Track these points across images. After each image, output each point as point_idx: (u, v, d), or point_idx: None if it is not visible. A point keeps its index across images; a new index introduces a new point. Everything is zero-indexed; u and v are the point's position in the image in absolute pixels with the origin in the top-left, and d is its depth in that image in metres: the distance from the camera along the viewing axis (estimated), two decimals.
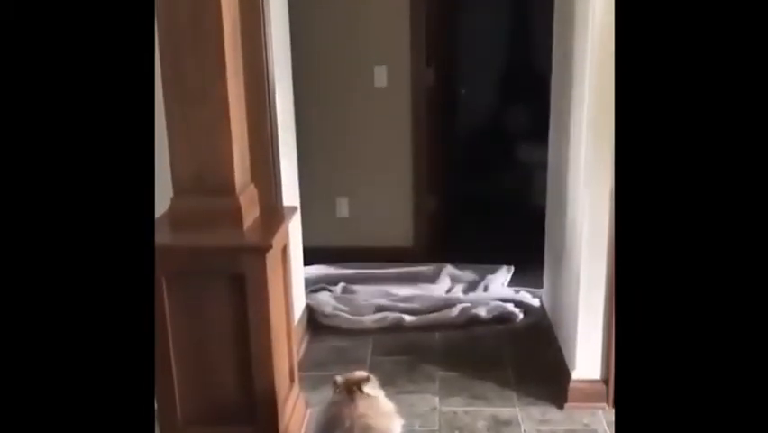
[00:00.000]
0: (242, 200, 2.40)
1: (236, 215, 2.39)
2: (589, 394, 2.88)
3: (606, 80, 2.51)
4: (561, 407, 2.92)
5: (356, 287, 4.16)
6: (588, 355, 2.86)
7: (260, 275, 2.37)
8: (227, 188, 2.37)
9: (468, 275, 4.31)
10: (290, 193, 3.40)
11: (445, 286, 4.17)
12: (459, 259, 4.52)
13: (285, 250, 2.67)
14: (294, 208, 2.97)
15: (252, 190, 2.56)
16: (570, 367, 2.94)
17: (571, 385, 2.90)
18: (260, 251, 2.36)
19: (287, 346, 2.71)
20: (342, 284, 4.19)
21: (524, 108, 5.86)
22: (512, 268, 4.36)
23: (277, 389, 2.49)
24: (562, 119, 3.21)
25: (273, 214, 2.73)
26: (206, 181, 2.37)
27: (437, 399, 3.03)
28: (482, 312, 3.77)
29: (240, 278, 2.37)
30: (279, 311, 2.58)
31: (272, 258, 2.43)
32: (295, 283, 3.39)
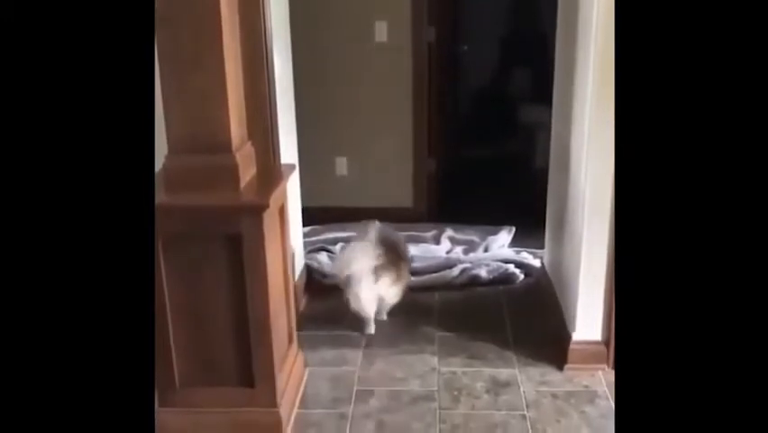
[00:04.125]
0: (239, 159, 2.35)
1: (232, 173, 2.34)
2: (589, 356, 2.87)
3: (612, 41, 2.43)
4: (560, 368, 2.91)
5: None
6: (588, 317, 2.84)
7: (257, 235, 2.33)
8: (223, 147, 2.32)
9: (468, 236, 4.27)
10: (288, 152, 3.35)
11: (446, 247, 4.14)
12: (459, 220, 4.49)
13: (283, 209, 2.63)
14: (292, 167, 2.92)
15: (249, 149, 2.51)
16: (570, 328, 2.92)
17: (572, 346, 2.88)
18: (257, 210, 2.32)
19: (285, 306, 2.69)
20: (341, 244, 4.15)
21: (527, 68, 5.78)
22: (513, 229, 4.33)
23: (275, 349, 2.47)
24: (566, 81, 3.14)
25: (270, 172, 2.68)
26: (202, 139, 2.31)
27: (436, 359, 3.02)
28: (483, 273, 3.74)
29: (237, 238, 2.34)
30: (277, 271, 2.55)
31: (269, 217, 2.39)
32: (294, 243, 3.36)
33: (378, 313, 3.29)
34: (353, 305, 3.18)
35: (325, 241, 4.20)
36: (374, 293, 3.18)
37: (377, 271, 3.14)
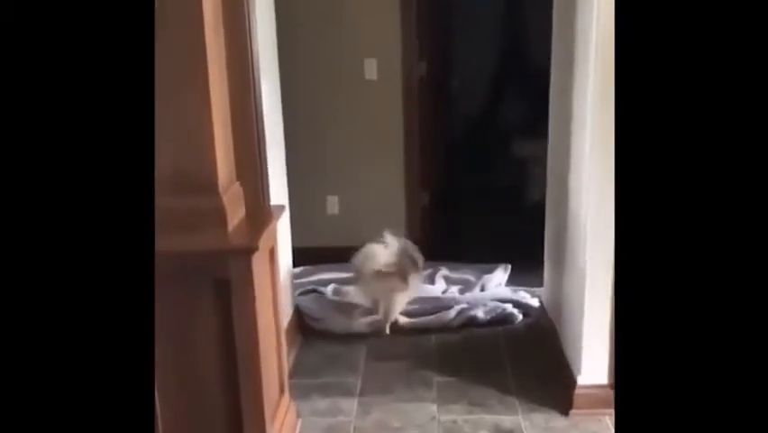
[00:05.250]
0: (227, 199, 2.25)
1: (220, 215, 2.23)
2: (595, 400, 2.74)
3: (612, 69, 2.36)
4: (566, 413, 2.78)
5: (348, 288, 3.99)
6: (594, 359, 2.72)
7: (246, 279, 2.22)
8: (210, 187, 2.21)
9: (463, 275, 4.15)
10: (278, 191, 3.24)
11: (441, 287, 4.01)
12: (453, 257, 4.39)
13: (273, 252, 2.51)
14: (282, 207, 2.82)
15: (237, 189, 2.41)
16: (575, 372, 2.80)
17: (577, 391, 2.76)
18: (246, 253, 2.21)
19: (275, 354, 2.56)
20: (333, 285, 4.03)
21: (518, 102, 5.73)
22: (509, 267, 4.21)
23: (265, 400, 2.34)
24: (562, 111, 3.07)
25: (260, 213, 2.57)
26: (188, 179, 2.20)
27: (435, 406, 2.88)
28: (480, 313, 3.62)
29: (225, 282, 2.22)
30: (267, 317, 2.43)
31: (259, 260, 2.28)
32: (284, 286, 3.24)
33: (384, 321, 3.57)
34: (365, 301, 3.64)
35: (317, 282, 4.07)
36: (391, 294, 3.52)
37: (382, 276, 3.48)
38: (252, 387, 2.30)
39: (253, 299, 2.23)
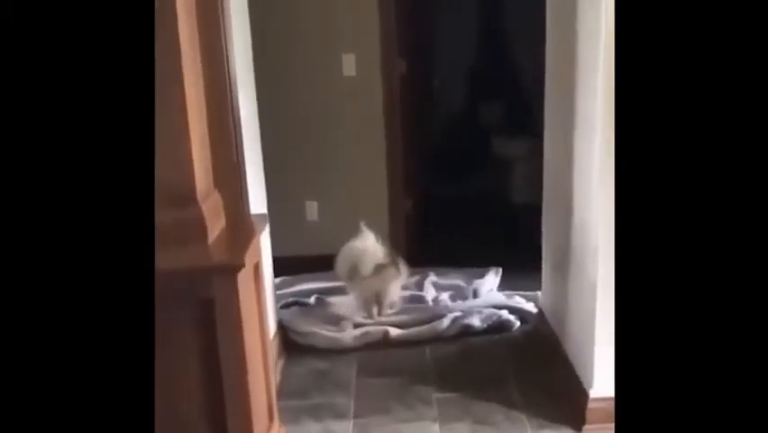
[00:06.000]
0: (206, 210, 2.02)
1: (200, 227, 2.01)
2: (609, 415, 2.50)
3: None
4: (578, 429, 2.59)
5: (332, 299, 3.77)
6: (607, 370, 2.52)
7: (231, 298, 2.00)
8: (188, 197, 1.99)
9: (453, 280, 3.96)
10: (255, 197, 3.01)
11: (431, 294, 3.81)
12: (440, 262, 4.19)
13: (257, 267, 2.29)
14: (264, 217, 2.61)
15: (217, 198, 2.18)
16: (586, 384, 2.61)
17: (590, 405, 2.57)
18: (231, 270, 1.98)
19: (263, 378, 2.33)
20: (315, 296, 3.81)
21: (501, 100, 5.58)
22: (500, 270, 4.03)
23: (255, 429, 2.12)
24: (563, 109, 2.88)
25: (242, 225, 2.35)
26: (163, 189, 1.95)
27: (437, 426, 2.67)
28: (476, 322, 3.42)
29: (208, 303, 1.99)
30: (254, 339, 2.21)
31: (244, 277, 2.06)
32: (266, 300, 3.01)
33: (379, 310, 3.56)
34: (357, 302, 3.57)
35: (298, 293, 3.85)
36: (375, 289, 3.52)
37: (381, 268, 3.46)
38: (241, 415, 2.09)
39: (239, 319, 2.02)
